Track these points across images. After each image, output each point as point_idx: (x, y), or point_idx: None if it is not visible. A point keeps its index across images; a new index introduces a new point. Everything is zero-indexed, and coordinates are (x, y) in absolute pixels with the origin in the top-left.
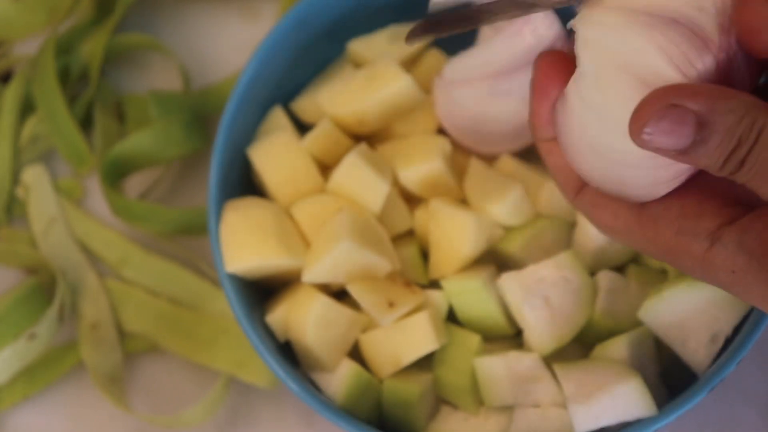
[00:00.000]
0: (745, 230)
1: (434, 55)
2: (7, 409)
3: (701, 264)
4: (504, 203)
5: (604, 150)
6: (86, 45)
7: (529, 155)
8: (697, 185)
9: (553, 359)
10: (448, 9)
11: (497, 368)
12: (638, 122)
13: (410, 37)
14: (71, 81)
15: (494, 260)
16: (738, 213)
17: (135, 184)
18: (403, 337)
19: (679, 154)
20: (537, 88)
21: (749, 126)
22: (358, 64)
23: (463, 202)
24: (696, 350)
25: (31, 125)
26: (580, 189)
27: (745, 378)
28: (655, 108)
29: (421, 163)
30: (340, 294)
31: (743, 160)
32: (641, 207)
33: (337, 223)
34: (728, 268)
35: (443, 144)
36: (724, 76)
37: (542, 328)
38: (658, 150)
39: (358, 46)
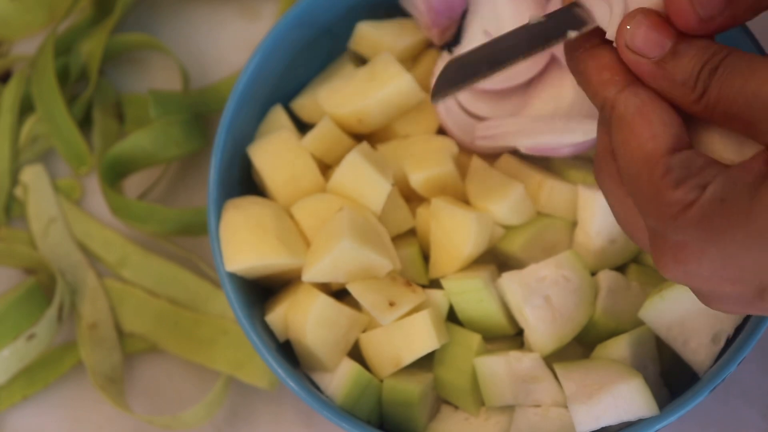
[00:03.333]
0: (731, 171)
1: (434, 54)
2: (6, 410)
3: (684, 208)
4: (505, 202)
5: None
6: (85, 44)
7: (530, 154)
8: (708, 162)
9: (553, 359)
10: (463, 59)
11: (498, 368)
12: (624, 24)
13: (435, 97)
14: (70, 81)
15: (495, 260)
16: None
17: (134, 184)
18: (404, 337)
19: (658, 65)
20: None
21: (719, 47)
22: (361, 49)
23: (464, 201)
24: (697, 350)
25: (30, 125)
26: (624, 86)
27: (747, 378)
28: (638, 10)
29: (434, 167)
30: (340, 293)
31: (717, 67)
32: (671, 151)
33: (337, 222)
34: (713, 200)
35: (451, 145)
36: None
37: (543, 328)
38: (640, 53)
39: (366, 28)
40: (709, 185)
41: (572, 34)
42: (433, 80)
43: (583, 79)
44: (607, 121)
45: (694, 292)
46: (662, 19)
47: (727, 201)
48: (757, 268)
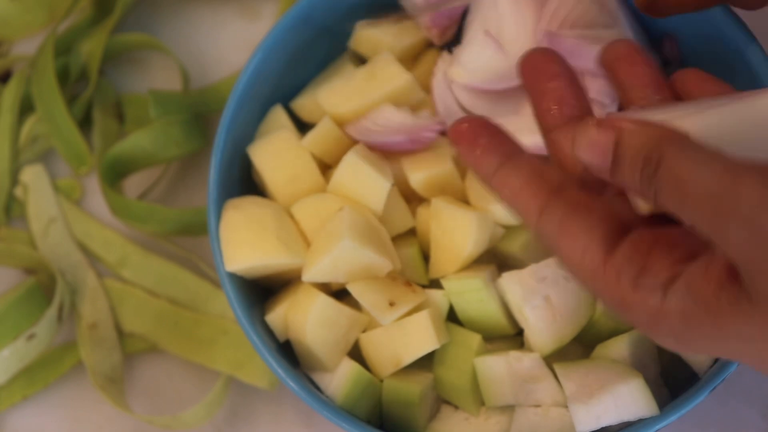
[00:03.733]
0: (692, 277)
1: (434, 54)
2: (6, 410)
3: (655, 316)
4: None
5: None
6: (85, 44)
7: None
8: (654, 240)
9: (553, 359)
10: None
11: (498, 368)
12: (575, 140)
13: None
14: (70, 81)
15: (495, 260)
16: (686, 263)
17: (134, 184)
18: (404, 337)
19: (609, 174)
20: (530, 84)
21: (656, 146)
22: (361, 49)
23: (464, 201)
24: None
25: (30, 125)
26: (540, 212)
27: (747, 378)
28: (581, 129)
29: (433, 167)
30: (340, 293)
31: (653, 175)
32: (609, 253)
33: (337, 222)
34: (680, 313)
35: (451, 145)
36: None
37: (543, 328)
38: (589, 166)
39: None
40: (669, 290)
41: None
42: (435, 80)
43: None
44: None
45: None
46: (597, 132)
47: (692, 319)
48: (738, 359)
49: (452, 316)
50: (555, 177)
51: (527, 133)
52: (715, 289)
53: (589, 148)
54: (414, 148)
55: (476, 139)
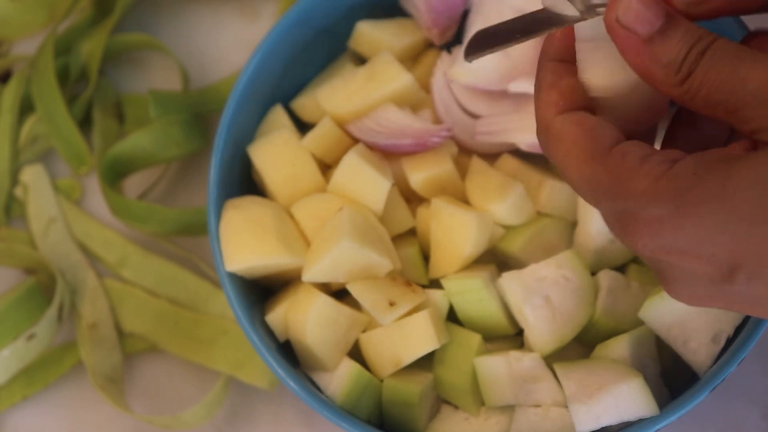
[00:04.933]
0: (703, 153)
1: (434, 54)
2: (6, 410)
3: (658, 179)
4: (505, 202)
5: None
6: (85, 44)
7: (530, 154)
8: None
9: (553, 359)
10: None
11: (498, 368)
12: (612, 8)
13: (468, 55)
14: (70, 81)
15: (495, 260)
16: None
17: (134, 184)
18: (404, 337)
19: (646, 44)
20: None
21: (707, 32)
22: (361, 49)
23: (464, 201)
24: (697, 350)
25: (30, 125)
26: (563, 111)
27: (747, 378)
28: None
29: (433, 167)
30: (340, 293)
31: (703, 52)
32: (618, 140)
33: (337, 222)
34: (689, 173)
35: (450, 145)
36: None
37: (543, 328)
38: (629, 28)
39: (366, 28)
40: (678, 159)
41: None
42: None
43: (536, 86)
44: (543, 145)
45: (665, 276)
46: None
47: (699, 174)
48: (732, 244)
49: (452, 316)
50: (589, 104)
51: (526, 133)
52: (726, 156)
53: (639, 13)
54: (419, 150)
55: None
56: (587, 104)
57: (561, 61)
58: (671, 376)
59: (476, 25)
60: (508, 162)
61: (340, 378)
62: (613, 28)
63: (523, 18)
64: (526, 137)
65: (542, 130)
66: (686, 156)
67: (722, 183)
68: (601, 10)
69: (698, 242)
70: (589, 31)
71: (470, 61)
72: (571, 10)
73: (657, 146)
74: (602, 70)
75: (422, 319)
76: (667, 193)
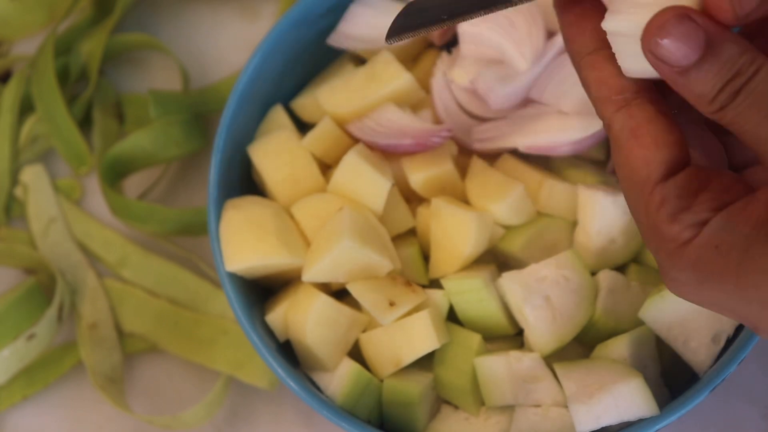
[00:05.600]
0: (732, 213)
1: (434, 54)
2: (6, 410)
3: (683, 245)
4: (505, 202)
5: None
6: (85, 44)
7: (530, 154)
8: (707, 180)
9: (553, 359)
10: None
11: (498, 368)
12: (652, 27)
13: (389, 37)
14: (70, 81)
15: (495, 259)
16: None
17: (134, 184)
18: (404, 337)
19: (680, 74)
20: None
21: (750, 61)
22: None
23: (464, 201)
24: (697, 350)
25: (30, 125)
26: (621, 106)
27: (747, 378)
28: (670, 15)
29: (433, 167)
30: (340, 293)
31: (738, 91)
32: (665, 177)
33: (337, 222)
34: (710, 244)
35: (450, 145)
36: None
37: (543, 328)
38: (663, 60)
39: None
40: (705, 225)
41: None
42: (434, 80)
43: (585, 88)
44: (607, 135)
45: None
46: (693, 25)
47: (721, 249)
48: (745, 316)
49: (452, 316)
50: (642, 82)
51: (524, 136)
52: (755, 224)
53: (675, 42)
54: (418, 150)
55: (584, 10)
56: (640, 85)
57: (596, 51)
58: (671, 376)
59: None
60: (508, 162)
61: (340, 378)
62: (646, 54)
63: None
64: (525, 140)
65: (606, 128)
66: (714, 217)
67: (738, 262)
68: None
69: (717, 306)
70: (622, 24)
71: (391, 44)
72: None
73: None
74: (638, 61)
75: (422, 319)
76: (690, 263)
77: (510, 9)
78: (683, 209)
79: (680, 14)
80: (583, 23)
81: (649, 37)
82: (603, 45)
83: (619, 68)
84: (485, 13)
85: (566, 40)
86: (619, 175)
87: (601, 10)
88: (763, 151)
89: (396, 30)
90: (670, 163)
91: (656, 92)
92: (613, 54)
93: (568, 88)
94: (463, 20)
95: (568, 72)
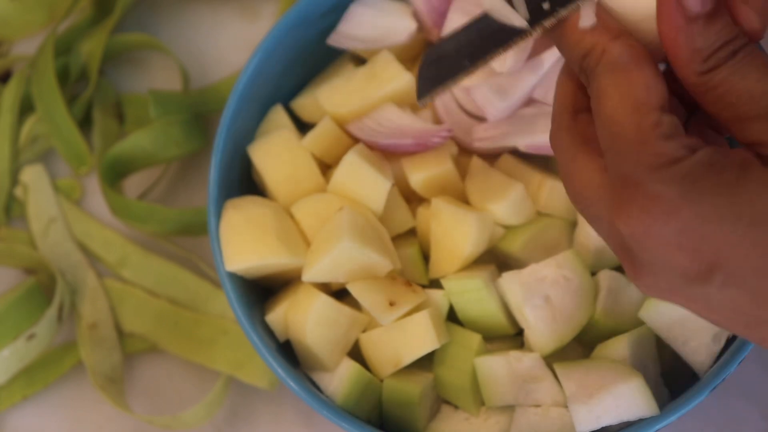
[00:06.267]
0: (723, 149)
1: None
2: (6, 410)
3: (676, 161)
4: (505, 202)
5: None
6: (85, 44)
7: (530, 154)
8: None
9: (553, 359)
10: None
11: (498, 368)
12: None
13: (421, 98)
14: (70, 81)
15: (495, 259)
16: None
17: (134, 184)
18: (404, 337)
19: (687, 22)
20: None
21: (742, 34)
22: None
23: (464, 201)
24: (697, 350)
25: (30, 125)
26: (618, 36)
27: (747, 378)
28: None
29: (433, 167)
30: (340, 293)
31: (736, 51)
32: (660, 110)
33: (337, 222)
34: (706, 162)
35: (450, 145)
36: None
37: (543, 328)
38: (678, 1)
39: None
40: (698, 150)
41: (563, 12)
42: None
43: (565, 31)
44: (588, 69)
45: (632, 258)
46: None
47: (716, 167)
48: (721, 242)
49: (452, 316)
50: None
51: (525, 136)
52: (743, 160)
53: None
54: (419, 150)
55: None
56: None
57: None
58: (671, 376)
59: (455, 20)
60: (508, 162)
61: (340, 378)
62: None
63: (467, 32)
64: (525, 139)
65: (593, 56)
66: (706, 147)
67: (733, 181)
68: (548, 22)
69: (687, 232)
70: None
71: (423, 105)
72: (517, 19)
73: None
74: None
75: (422, 319)
76: (679, 176)
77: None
78: (678, 134)
79: None
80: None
81: None
82: None
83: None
84: (504, 51)
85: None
86: (605, 96)
87: None
88: (750, 113)
89: (425, 89)
90: (666, 101)
91: None
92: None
93: None
94: (486, 63)
95: None
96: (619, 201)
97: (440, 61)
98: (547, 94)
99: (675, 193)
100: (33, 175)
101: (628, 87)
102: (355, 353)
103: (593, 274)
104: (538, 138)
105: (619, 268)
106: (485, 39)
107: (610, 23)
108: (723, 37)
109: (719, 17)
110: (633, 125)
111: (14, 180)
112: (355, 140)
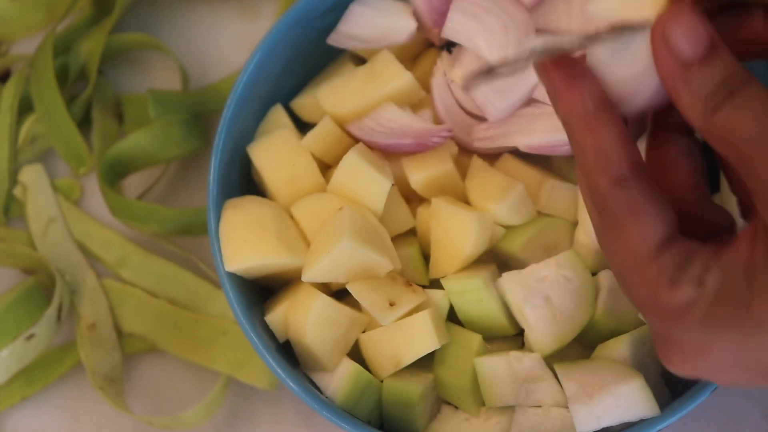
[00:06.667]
0: (726, 257)
1: (434, 54)
2: (5, 410)
3: (686, 306)
4: (505, 202)
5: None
6: (85, 44)
7: (530, 154)
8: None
9: (554, 359)
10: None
11: (498, 368)
12: (666, 16)
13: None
14: (70, 80)
15: (495, 260)
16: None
17: (134, 184)
18: (404, 337)
19: (682, 68)
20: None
21: (743, 69)
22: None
23: (464, 201)
24: None
25: (29, 125)
26: (618, 182)
27: None
28: (685, 7)
29: (433, 167)
30: (340, 293)
31: (734, 92)
32: (660, 251)
33: (337, 222)
34: (713, 295)
35: (451, 145)
36: None
37: (543, 328)
38: (672, 49)
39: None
40: (706, 280)
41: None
42: (434, 80)
43: (577, 152)
44: (593, 206)
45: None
46: (704, 21)
47: (727, 294)
48: (759, 355)
49: (452, 316)
50: (634, 151)
51: (525, 136)
52: (746, 265)
53: (686, 34)
54: (419, 150)
55: (575, 71)
56: (635, 157)
57: (594, 113)
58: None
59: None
60: (508, 162)
61: (340, 378)
62: (656, 44)
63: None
64: (525, 139)
65: (594, 198)
66: (711, 269)
67: (746, 302)
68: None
69: (728, 358)
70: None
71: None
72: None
73: (641, 145)
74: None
75: (422, 319)
76: (698, 321)
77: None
78: (682, 272)
79: (692, 8)
80: (576, 83)
81: (662, 25)
82: (601, 106)
83: (620, 134)
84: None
85: (557, 101)
86: (611, 250)
87: (590, 73)
88: (751, 156)
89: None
90: (665, 237)
91: (643, 165)
92: (612, 118)
93: None
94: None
95: None
96: (660, 348)
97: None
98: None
99: (702, 335)
100: (32, 175)
101: (627, 242)
102: (355, 353)
103: (594, 274)
104: (538, 138)
105: None
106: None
107: (614, 154)
108: (719, 78)
109: (715, 57)
110: (640, 281)
111: (13, 180)
112: (355, 140)
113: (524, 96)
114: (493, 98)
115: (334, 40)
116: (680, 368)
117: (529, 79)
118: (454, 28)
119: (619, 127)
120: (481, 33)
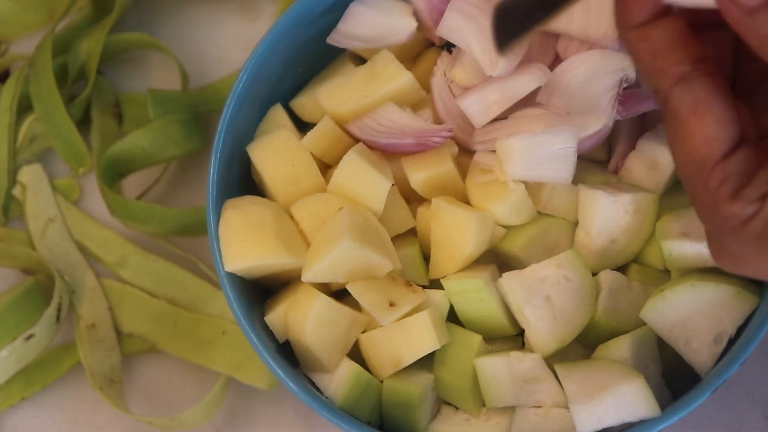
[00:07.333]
0: None
1: (434, 54)
2: (5, 410)
3: (746, 221)
4: (505, 202)
5: None
6: (84, 44)
7: None
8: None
9: (554, 359)
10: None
11: (498, 368)
12: None
13: (502, 50)
14: (69, 80)
15: (495, 260)
16: None
17: (133, 184)
18: (404, 337)
19: (747, 15)
20: None
21: None
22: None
23: (464, 201)
24: (699, 351)
25: (28, 125)
26: (679, 80)
27: (749, 378)
28: None
29: (433, 167)
30: (340, 293)
31: None
32: (726, 156)
33: (337, 222)
34: None
35: (450, 145)
36: None
37: (544, 328)
38: (733, 1)
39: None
40: (766, 200)
41: None
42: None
43: (636, 62)
44: (661, 107)
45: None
46: None
47: None
48: None
49: (452, 317)
50: (699, 49)
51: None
52: None
53: None
54: (419, 150)
55: None
56: (698, 55)
57: (649, 23)
58: (673, 377)
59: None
60: None
61: (340, 379)
62: None
63: None
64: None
65: (660, 100)
66: None
67: None
68: None
69: None
70: None
71: (506, 55)
72: None
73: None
74: None
75: (422, 319)
76: (752, 239)
77: (483, 5)
78: (744, 186)
79: None
80: None
81: None
82: (655, 16)
83: (676, 39)
84: (575, 2)
85: (618, 9)
86: (675, 150)
87: None
88: None
89: (503, 42)
90: (730, 141)
91: (714, 64)
92: (669, 27)
93: (573, 91)
94: (558, 14)
95: (572, 76)
96: (713, 249)
97: (512, 13)
98: (549, 99)
99: (753, 252)
100: (31, 175)
101: (690, 144)
102: (355, 354)
103: (594, 274)
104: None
105: (620, 269)
106: None
107: (671, 55)
108: None
109: None
110: (701, 185)
111: (12, 180)
112: (355, 140)
113: (511, 104)
114: (479, 109)
115: (334, 39)
116: (728, 269)
117: (518, 87)
118: (449, 26)
119: (677, 29)
120: (476, 34)
